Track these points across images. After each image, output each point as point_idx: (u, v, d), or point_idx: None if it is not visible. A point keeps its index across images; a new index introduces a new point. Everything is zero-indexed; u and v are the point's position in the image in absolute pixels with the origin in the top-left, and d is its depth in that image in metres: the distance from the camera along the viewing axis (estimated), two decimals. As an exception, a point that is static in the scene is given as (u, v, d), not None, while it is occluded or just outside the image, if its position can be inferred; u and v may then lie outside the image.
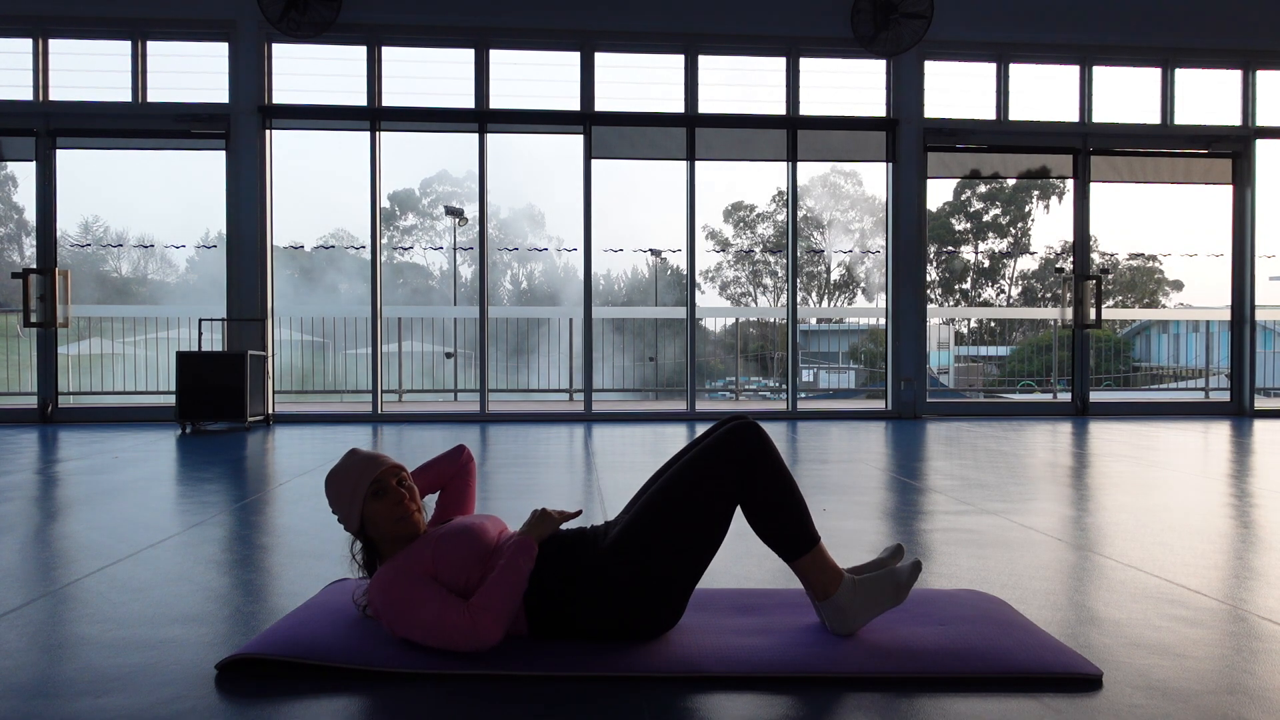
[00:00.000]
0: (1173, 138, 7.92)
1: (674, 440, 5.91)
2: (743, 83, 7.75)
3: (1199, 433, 6.40)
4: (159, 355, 8.75)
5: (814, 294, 30.66)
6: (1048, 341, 13.61)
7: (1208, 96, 8.01)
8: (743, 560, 2.41)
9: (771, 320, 15.19)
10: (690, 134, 7.50)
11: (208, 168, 7.31)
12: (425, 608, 1.60)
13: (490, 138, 7.48)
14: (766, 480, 1.72)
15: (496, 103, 7.43)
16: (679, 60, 7.53)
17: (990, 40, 7.65)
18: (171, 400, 6.93)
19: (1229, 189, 8.07)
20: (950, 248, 30.24)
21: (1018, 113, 7.79)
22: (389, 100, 7.37)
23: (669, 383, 11.33)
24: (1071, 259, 8.09)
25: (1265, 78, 7.96)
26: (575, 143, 7.51)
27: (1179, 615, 1.94)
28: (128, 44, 7.18)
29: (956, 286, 31.02)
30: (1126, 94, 7.95)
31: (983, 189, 29.47)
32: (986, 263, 30.56)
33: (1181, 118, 7.90)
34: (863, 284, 30.72)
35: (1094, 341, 8.63)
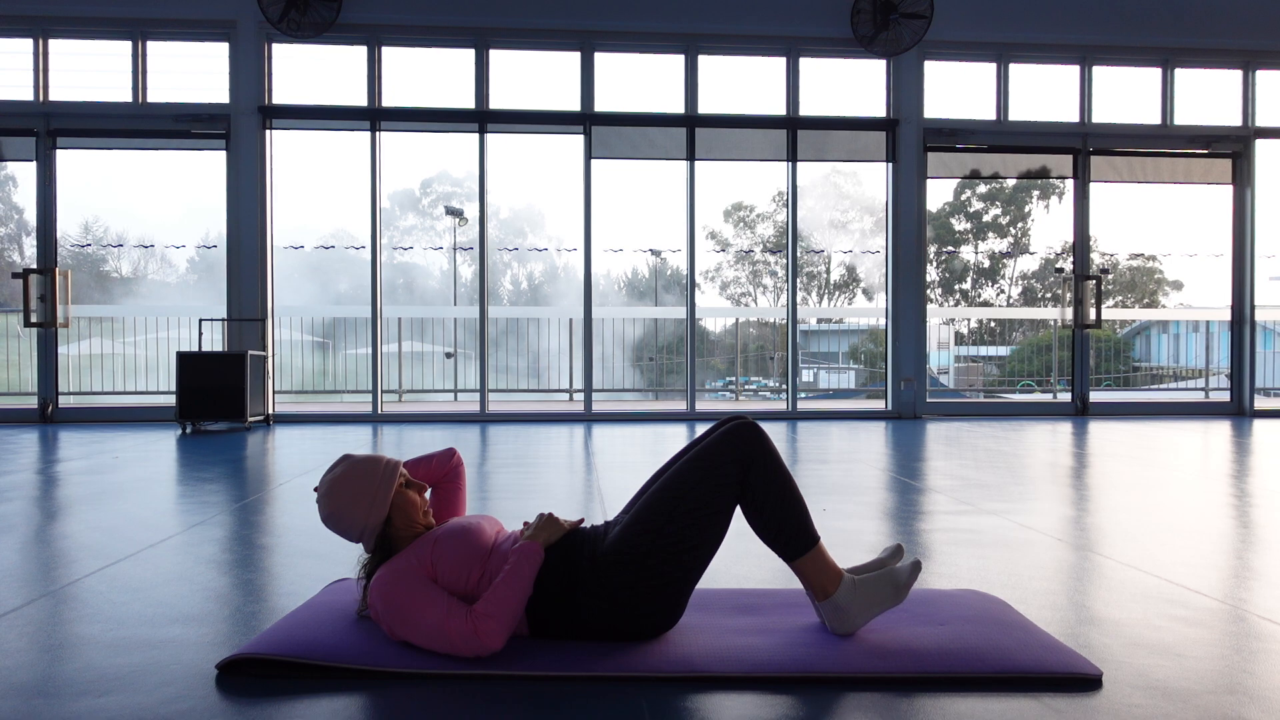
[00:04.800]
0: (1173, 138, 7.92)
1: (674, 440, 5.91)
2: (743, 83, 7.75)
3: (1199, 433, 6.39)
4: (159, 355, 8.74)
5: (814, 294, 30.62)
6: (1048, 341, 13.60)
7: (1208, 96, 8.01)
8: (743, 560, 2.41)
9: (771, 320, 15.18)
10: (690, 134, 7.50)
11: (208, 168, 7.31)
12: (427, 613, 1.59)
13: (490, 138, 7.48)
14: (766, 479, 1.72)
15: (496, 103, 7.43)
16: (679, 60, 7.53)
17: (990, 40, 7.66)
18: (171, 400, 6.93)
19: (1229, 189, 8.07)
20: (950, 248, 30.20)
21: (1018, 113, 7.79)
22: (389, 100, 7.37)
23: (669, 383, 11.32)
24: (1071, 259, 8.09)
25: (1265, 78, 7.96)
26: (575, 143, 7.51)
27: (1179, 615, 1.94)
28: (128, 44, 7.18)
29: (956, 286, 30.98)
30: (1126, 94, 7.95)
31: (983, 189, 29.43)
32: (986, 263, 30.52)
33: (1181, 118, 7.90)
34: (863, 284, 30.69)
35: (1094, 341, 8.63)
